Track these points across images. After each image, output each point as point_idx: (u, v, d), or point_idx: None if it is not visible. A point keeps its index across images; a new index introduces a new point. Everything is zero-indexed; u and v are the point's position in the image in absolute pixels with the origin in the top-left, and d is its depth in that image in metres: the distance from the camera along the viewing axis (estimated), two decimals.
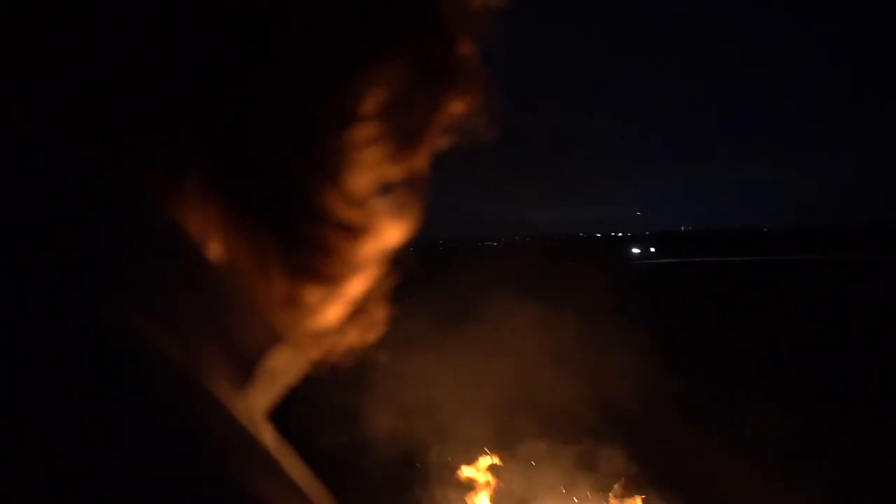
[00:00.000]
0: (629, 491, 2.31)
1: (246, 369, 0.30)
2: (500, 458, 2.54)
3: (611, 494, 2.33)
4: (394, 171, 0.36)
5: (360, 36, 0.33)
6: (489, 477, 2.47)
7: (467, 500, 2.35)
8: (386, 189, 0.36)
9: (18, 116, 0.29)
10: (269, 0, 0.31)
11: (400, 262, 0.39)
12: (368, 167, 0.34)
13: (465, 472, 2.46)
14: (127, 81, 0.30)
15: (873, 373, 6.83)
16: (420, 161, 0.37)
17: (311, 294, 0.34)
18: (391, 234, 0.37)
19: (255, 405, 0.29)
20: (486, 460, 2.47)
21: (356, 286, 0.36)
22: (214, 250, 0.31)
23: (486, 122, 0.39)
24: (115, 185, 0.29)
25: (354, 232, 0.34)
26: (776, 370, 7.12)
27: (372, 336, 0.38)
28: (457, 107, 0.37)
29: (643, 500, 2.29)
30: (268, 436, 0.29)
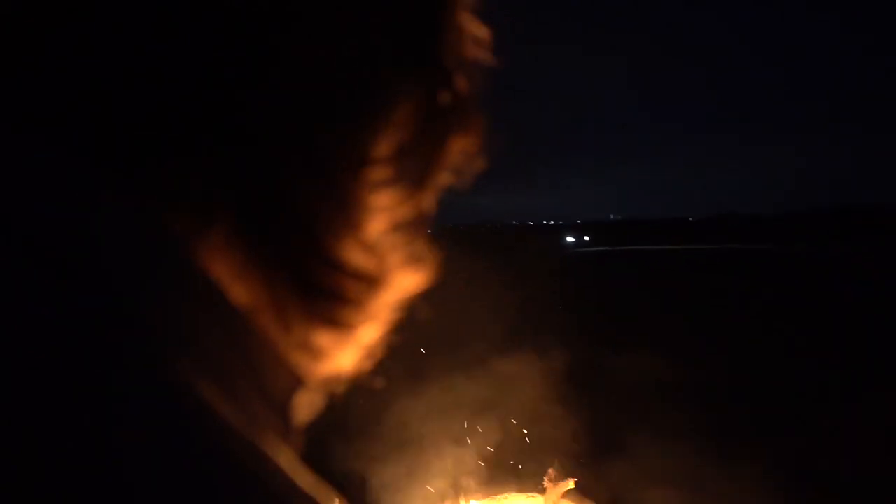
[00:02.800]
0: (562, 475, 2.38)
1: (278, 413, 0.31)
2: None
3: (545, 478, 2.40)
4: (404, 213, 0.36)
5: (374, 80, 0.34)
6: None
7: None
8: (397, 230, 0.36)
9: (41, 148, 0.29)
10: (289, 51, 0.32)
11: (414, 310, 0.40)
12: (382, 211, 0.35)
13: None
14: (161, 126, 0.30)
15: (780, 354, 7.30)
16: (428, 201, 0.38)
17: (327, 340, 0.35)
18: (407, 282, 0.38)
19: (293, 450, 0.30)
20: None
21: (371, 333, 0.37)
22: (237, 295, 0.31)
23: (485, 157, 0.40)
24: (146, 228, 0.29)
25: (371, 281, 0.35)
26: (705, 346, 7.62)
27: (368, 364, 0.39)
28: (460, 144, 0.38)
29: (576, 482, 2.37)
30: (308, 479, 0.29)
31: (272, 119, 0.32)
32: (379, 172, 0.34)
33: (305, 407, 0.33)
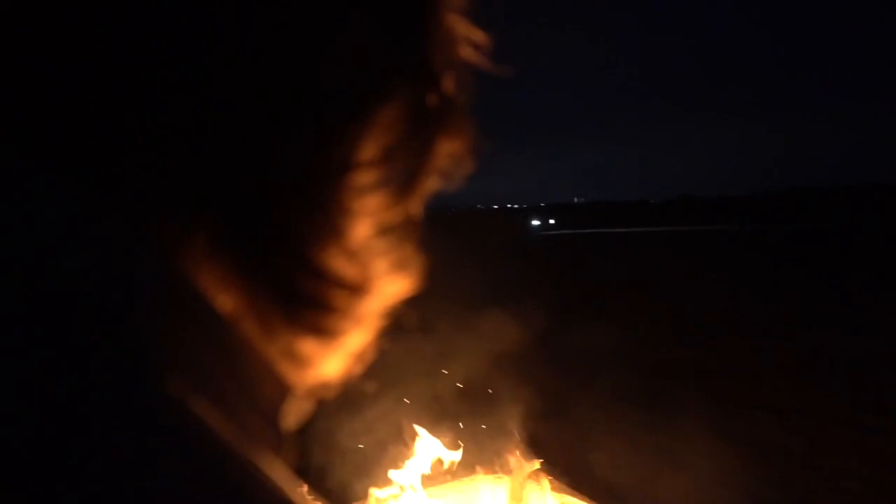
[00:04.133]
0: (528, 456, 2.42)
1: (269, 423, 0.31)
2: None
3: (512, 460, 2.43)
4: (390, 218, 0.36)
5: (359, 84, 0.33)
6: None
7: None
8: (383, 236, 0.36)
9: (21, 163, 0.28)
10: (264, 55, 0.31)
11: (401, 316, 0.39)
12: (367, 216, 0.34)
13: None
14: (138, 142, 0.30)
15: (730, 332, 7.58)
16: (415, 206, 0.37)
17: (312, 348, 0.34)
18: (393, 288, 0.37)
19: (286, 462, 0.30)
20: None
21: (358, 339, 0.37)
22: (223, 304, 0.31)
23: (473, 160, 0.39)
24: (130, 240, 0.29)
25: (355, 288, 0.34)
26: (659, 321, 7.90)
27: (357, 369, 0.39)
28: (448, 147, 0.37)
29: (542, 463, 2.42)
30: (301, 494, 0.30)
31: (250, 123, 0.31)
32: (364, 177, 0.34)
33: (294, 414, 0.33)
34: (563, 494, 2.39)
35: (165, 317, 0.28)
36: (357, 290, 0.35)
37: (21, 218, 0.27)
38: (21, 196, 0.28)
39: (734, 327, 7.80)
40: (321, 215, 0.33)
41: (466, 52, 0.38)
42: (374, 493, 2.24)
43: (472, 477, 2.50)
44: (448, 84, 0.37)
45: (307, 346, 0.34)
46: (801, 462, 3.95)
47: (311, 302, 0.33)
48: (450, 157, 0.38)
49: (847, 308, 8.61)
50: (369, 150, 0.33)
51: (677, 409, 4.08)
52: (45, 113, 0.29)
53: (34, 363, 0.23)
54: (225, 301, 0.31)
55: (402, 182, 0.36)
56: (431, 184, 0.38)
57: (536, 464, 2.37)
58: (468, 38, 0.38)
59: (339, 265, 0.33)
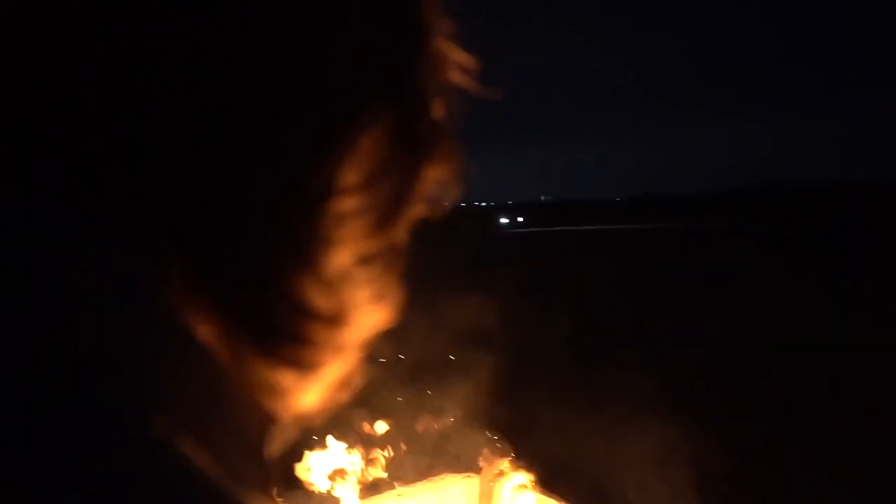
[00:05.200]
0: (498, 454, 2.43)
1: (254, 457, 0.30)
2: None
3: (480, 458, 2.44)
4: (372, 247, 0.34)
5: (339, 106, 0.32)
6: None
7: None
8: (364, 265, 0.35)
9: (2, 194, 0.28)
10: (244, 83, 0.30)
11: (377, 348, 0.38)
12: (347, 244, 0.33)
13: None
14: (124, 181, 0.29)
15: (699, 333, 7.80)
16: (399, 234, 0.36)
17: (289, 380, 0.33)
18: (370, 319, 0.36)
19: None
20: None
21: (336, 370, 0.36)
22: (204, 337, 0.30)
23: (459, 187, 0.38)
24: (112, 274, 0.28)
25: (331, 320, 0.33)
26: (617, 314, 8.16)
27: (345, 395, 0.38)
28: (434, 173, 0.36)
29: (511, 460, 2.42)
30: None
31: (227, 148, 0.30)
32: (344, 203, 0.32)
33: (279, 443, 0.32)
34: (534, 492, 2.39)
35: (151, 353, 0.27)
36: (333, 322, 0.33)
37: (4, 246, 0.26)
38: (6, 225, 0.27)
39: (690, 321, 8.01)
40: (297, 246, 0.31)
41: (455, 77, 0.36)
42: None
43: (442, 476, 2.50)
44: (436, 109, 0.36)
45: (284, 378, 0.33)
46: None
47: (285, 335, 0.32)
48: (435, 184, 0.36)
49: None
50: (350, 175, 0.32)
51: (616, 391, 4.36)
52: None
53: (16, 404, 0.22)
54: (205, 332, 0.30)
55: (384, 209, 0.34)
56: (416, 211, 0.36)
57: (506, 462, 2.38)
58: (457, 63, 0.37)
59: (315, 297, 0.32)
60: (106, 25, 0.29)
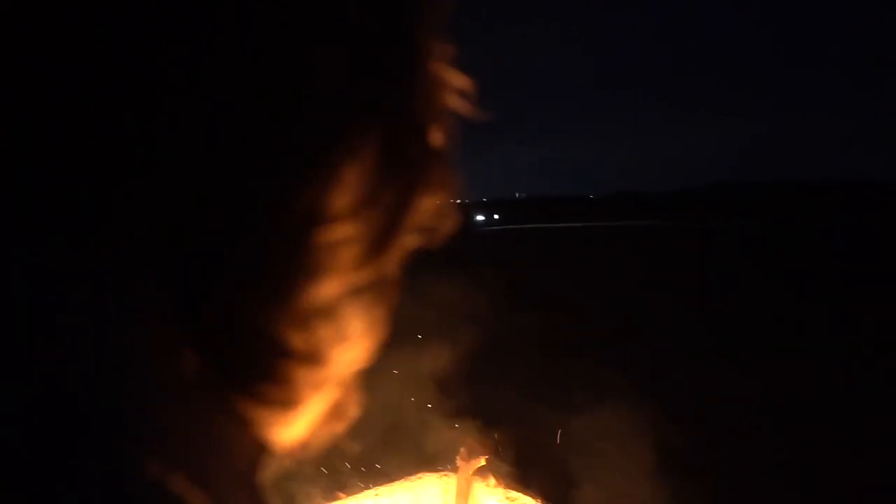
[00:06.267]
0: (476, 453, 2.43)
1: (249, 491, 0.30)
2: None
3: (458, 457, 2.44)
4: (360, 279, 0.33)
5: (325, 130, 0.31)
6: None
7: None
8: (351, 298, 0.34)
9: None
10: (225, 110, 0.29)
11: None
12: (334, 275, 0.32)
13: None
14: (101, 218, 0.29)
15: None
16: (390, 265, 0.35)
17: (271, 416, 0.33)
18: (352, 354, 0.35)
19: None
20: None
21: (318, 406, 0.35)
22: (191, 373, 0.30)
23: (455, 218, 0.37)
24: (99, 317, 0.28)
25: (308, 359, 0.32)
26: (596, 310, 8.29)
27: (340, 425, 0.37)
28: (427, 202, 0.35)
29: (487, 460, 2.43)
30: None
31: (206, 177, 0.29)
32: (331, 232, 0.31)
33: (271, 472, 0.32)
34: (510, 490, 2.40)
35: (137, 395, 0.26)
36: (310, 361, 0.32)
37: None
38: None
39: (667, 317, 8.15)
40: (276, 282, 0.30)
41: (452, 101, 0.35)
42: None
43: (419, 475, 2.50)
44: (429, 133, 0.34)
45: (265, 414, 0.32)
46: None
47: (261, 373, 0.31)
48: (430, 212, 0.35)
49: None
50: (338, 201, 0.31)
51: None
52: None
53: (4, 460, 0.22)
54: (191, 368, 0.29)
55: (375, 238, 0.33)
56: (409, 241, 0.35)
57: (482, 461, 2.39)
58: (454, 87, 0.35)
59: (292, 336, 0.31)
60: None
